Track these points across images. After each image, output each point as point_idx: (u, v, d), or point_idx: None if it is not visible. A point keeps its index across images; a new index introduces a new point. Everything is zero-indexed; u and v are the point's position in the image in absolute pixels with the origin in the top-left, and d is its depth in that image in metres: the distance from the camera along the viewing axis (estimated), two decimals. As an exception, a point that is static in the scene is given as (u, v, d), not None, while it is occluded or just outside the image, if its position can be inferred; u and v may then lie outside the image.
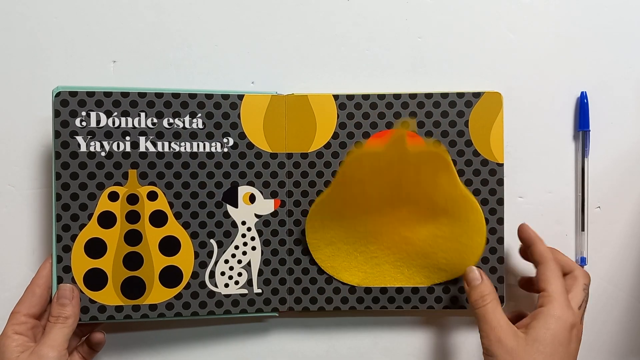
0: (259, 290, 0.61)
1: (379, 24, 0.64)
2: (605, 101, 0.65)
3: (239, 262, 0.60)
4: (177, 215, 0.59)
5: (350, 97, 0.61)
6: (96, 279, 0.58)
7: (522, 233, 0.60)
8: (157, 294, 0.59)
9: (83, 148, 0.57)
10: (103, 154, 0.58)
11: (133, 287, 0.58)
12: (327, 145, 0.61)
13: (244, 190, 0.60)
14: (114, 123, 0.58)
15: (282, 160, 0.61)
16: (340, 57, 0.64)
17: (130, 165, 0.58)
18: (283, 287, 0.61)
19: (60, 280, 0.57)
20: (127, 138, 0.58)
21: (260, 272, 0.61)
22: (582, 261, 0.64)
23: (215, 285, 0.60)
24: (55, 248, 0.57)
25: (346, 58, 0.64)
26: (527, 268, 0.63)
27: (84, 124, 0.57)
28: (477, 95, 0.61)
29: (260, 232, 0.61)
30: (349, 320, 0.65)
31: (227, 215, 0.60)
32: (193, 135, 0.59)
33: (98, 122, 0.57)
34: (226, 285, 0.60)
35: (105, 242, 0.58)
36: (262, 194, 0.61)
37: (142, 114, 0.58)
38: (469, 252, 0.60)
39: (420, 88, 0.63)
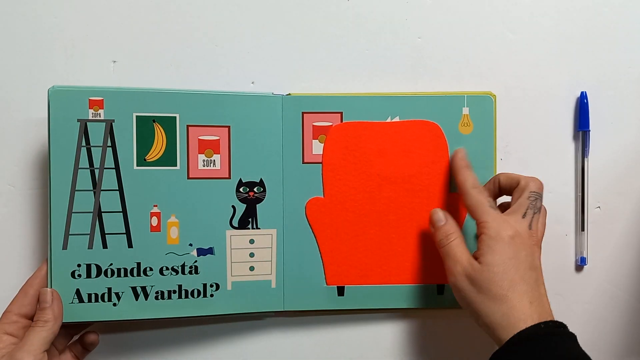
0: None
1: (379, 24, 0.64)
2: (605, 101, 0.65)
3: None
4: None
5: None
6: None
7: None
8: None
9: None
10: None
11: None
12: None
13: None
14: None
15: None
16: (340, 57, 0.64)
17: None
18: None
19: None
20: None
21: None
22: (582, 261, 0.64)
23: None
24: (50, 249, 0.57)
25: (346, 58, 0.64)
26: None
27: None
28: None
29: None
30: (347, 318, 0.64)
31: None
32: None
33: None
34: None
35: None
36: None
37: None
38: None
39: (420, 88, 0.64)
